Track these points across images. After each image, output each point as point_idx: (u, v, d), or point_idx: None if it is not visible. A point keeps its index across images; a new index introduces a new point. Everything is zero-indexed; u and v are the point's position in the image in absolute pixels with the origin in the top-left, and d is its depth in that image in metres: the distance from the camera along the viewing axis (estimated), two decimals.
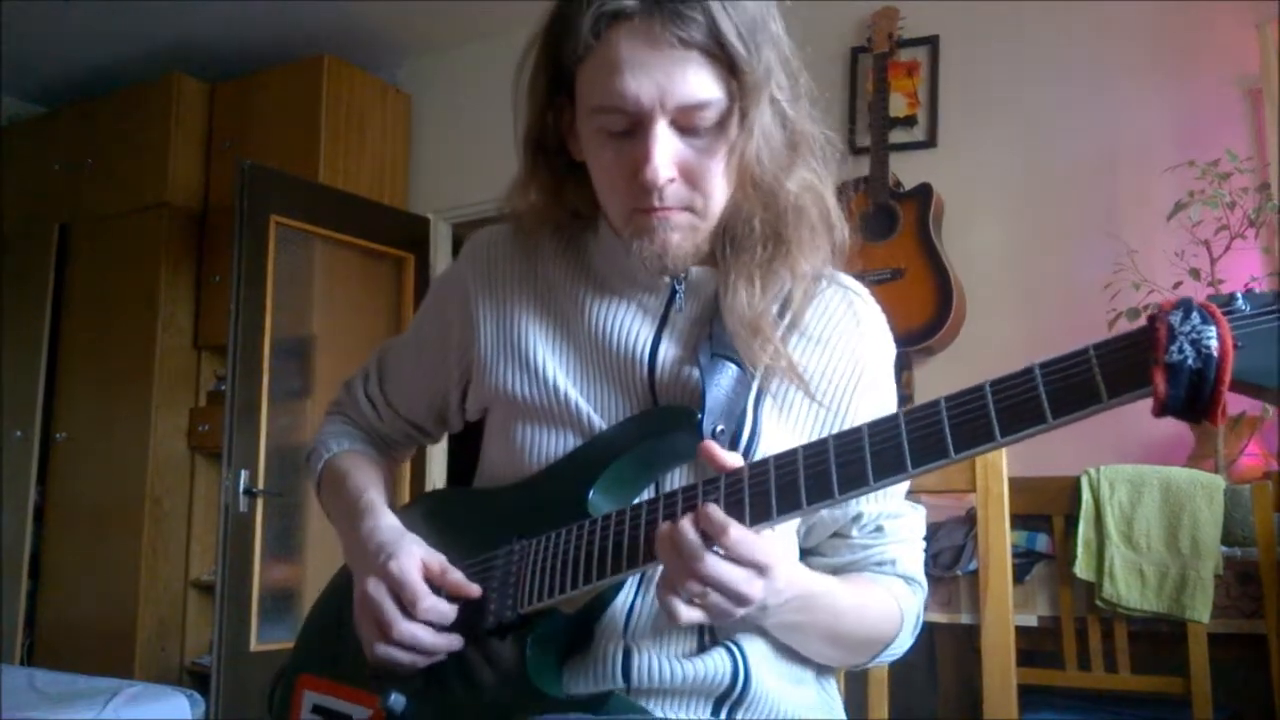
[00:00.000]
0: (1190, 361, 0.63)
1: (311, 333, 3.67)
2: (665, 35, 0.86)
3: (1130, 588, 1.95)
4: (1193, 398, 0.64)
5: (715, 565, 0.76)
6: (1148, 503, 1.98)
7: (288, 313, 3.52)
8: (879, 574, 1.02)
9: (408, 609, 0.89)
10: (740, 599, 0.78)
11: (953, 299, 2.81)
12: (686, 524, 0.78)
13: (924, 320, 2.82)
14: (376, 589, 0.91)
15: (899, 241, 2.89)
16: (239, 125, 3.93)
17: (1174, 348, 0.64)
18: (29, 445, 3.86)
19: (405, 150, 4.10)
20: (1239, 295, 0.66)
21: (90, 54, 4.08)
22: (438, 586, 0.91)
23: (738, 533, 0.77)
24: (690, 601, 0.78)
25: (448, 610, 0.90)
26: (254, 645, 3.22)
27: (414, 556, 0.92)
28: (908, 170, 3.01)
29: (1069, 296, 2.79)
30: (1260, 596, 1.89)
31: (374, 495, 1.04)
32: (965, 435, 0.71)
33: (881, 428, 0.76)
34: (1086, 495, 2.03)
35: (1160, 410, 0.65)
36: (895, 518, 1.02)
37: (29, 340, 3.94)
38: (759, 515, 0.79)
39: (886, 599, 0.99)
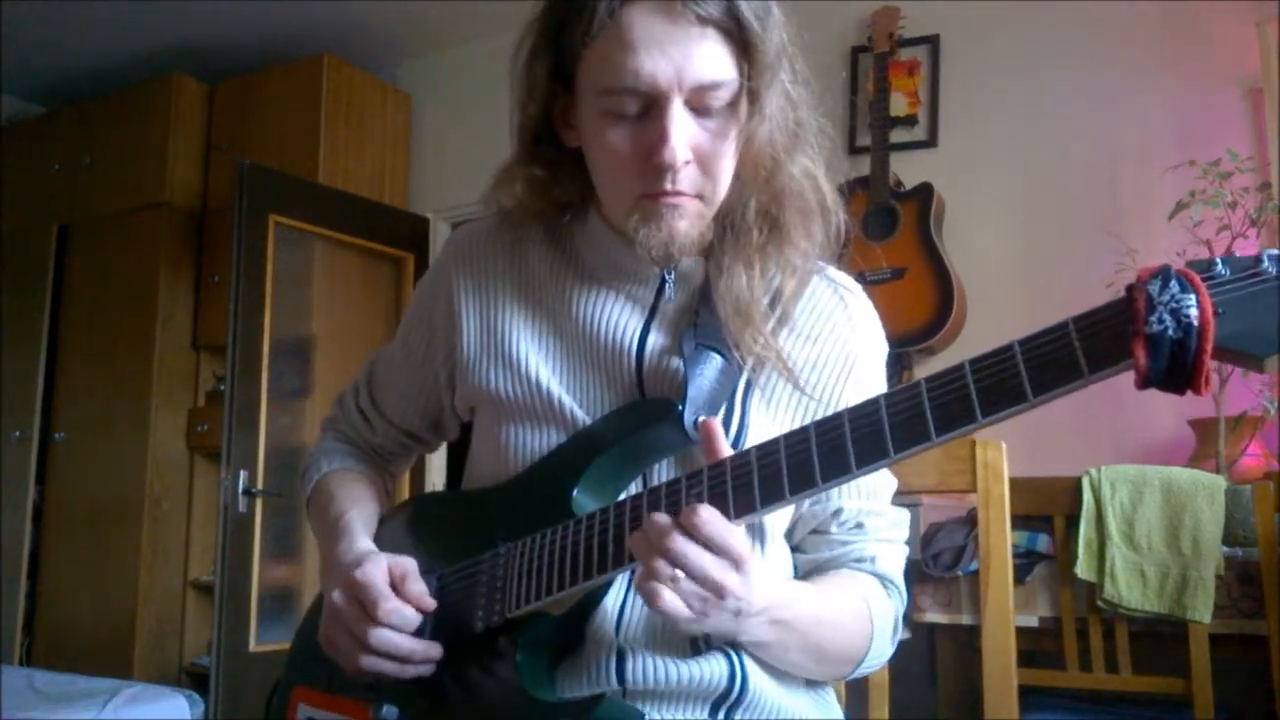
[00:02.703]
0: (1170, 331, 0.61)
1: (311, 333, 3.66)
2: (684, 11, 0.85)
3: (1131, 588, 1.94)
4: (1175, 369, 0.61)
5: (683, 544, 0.75)
6: (1149, 503, 1.98)
7: (287, 313, 3.52)
8: (856, 570, 0.99)
9: (370, 612, 0.87)
10: (717, 588, 0.75)
11: (954, 298, 2.81)
12: (658, 513, 0.77)
13: (925, 320, 2.82)
14: (340, 597, 0.90)
15: (900, 241, 2.89)
16: (239, 125, 3.92)
17: (1153, 318, 0.62)
18: (28, 445, 3.85)
19: (405, 150, 4.10)
20: (1219, 261, 0.64)
21: (90, 54, 4.08)
22: (399, 594, 0.90)
23: (706, 512, 0.75)
24: (665, 584, 0.76)
25: (411, 615, 0.88)
26: (253, 645, 3.22)
27: (379, 565, 0.90)
28: (908, 170, 3.00)
29: (1070, 296, 2.77)
30: (1261, 597, 1.89)
31: (353, 516, 1.02)
32: (947, 417, 0.70)
33: (862, 413, 0.74)
34: (1087, 496, 2.02)
35: (1143, 383, 0.63)
36: (877, 515, 1.00)
37: (28, 340, 3.94)
38: (743, 508, 0.77)
39: (860, 606, 0.96)
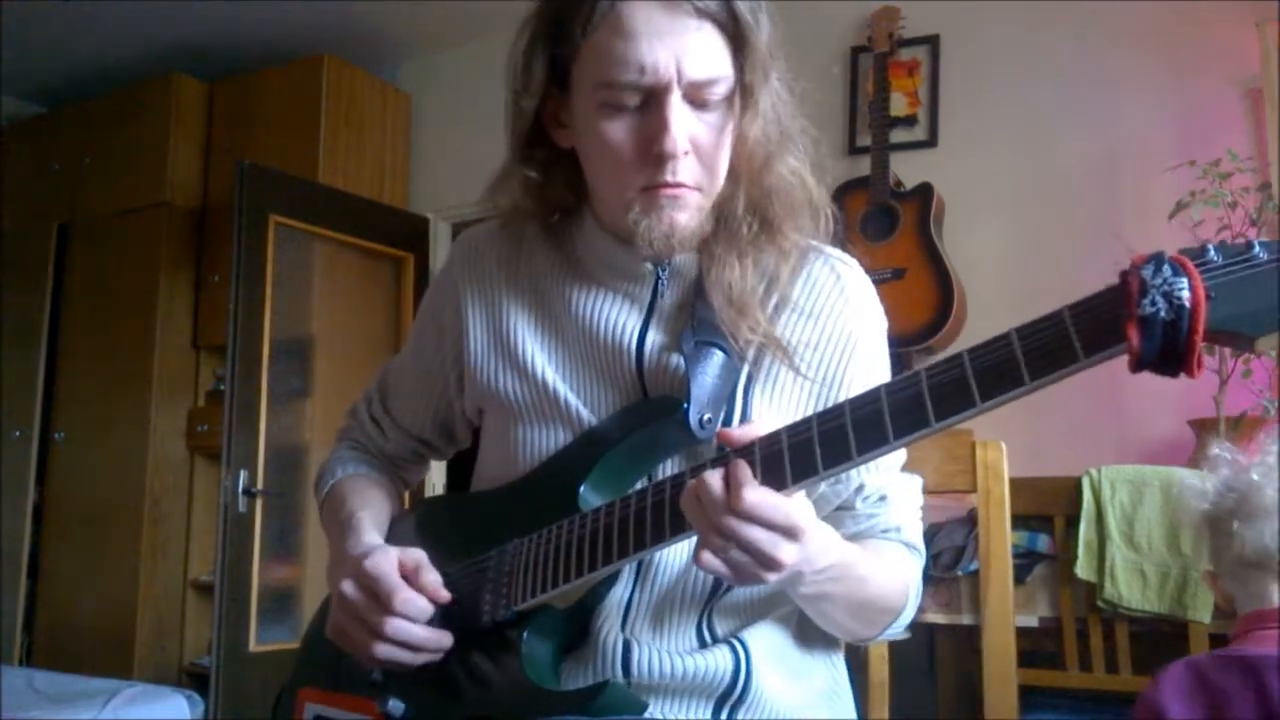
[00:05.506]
0: (1163, 313, 0.63)
1: (311, 333, 3.66)
2: (682, 3, 0.87)
3: (1131, 588, 1.94)
4: (1167, 350, 0.63)
5: (735, 522, 0.75)
6: (1149, 503, 1.98)
7: (287, 313, 3.51)
8: (884, 540, 1.02)
9: (384, 604, 0.88)
10: (768, 562, 0.76)
11: (954, 298, 2.81)
12: (714, 475, 0.77)
13: (925, 320, 2.82)
14: (351, 588, 0.91)
15: (900, 241, 2.88)
16: (239, 125, 3.92)
17: (1146, 301, 0.63)
18: (28, 445, 3.85)
19: (405, 150, 4.10)
20: (1211, 247, 0.65)
21: (90, 54, 4.07)
22: (412, 585, 0.91)
23: (753, 495, 0.75)
24: (716, 555, 0.77)
25: (425, 605, 0.89)
26: (253, 646, 3.22)
27: (389, 556, 0.91)
28: (908, 170, 3.00)
29: (1070, 296, 2.70)
30: None
31: (363, 515, 1.03)
32: (946, 403, 0.71)
33: (862, 402, 0.76)
34: (1088, 496, 2.02)
35: (1136, 365, 0.64)
36: (897, 487, 1.03)
37: (28, 340, 3.94)
38: (795, 476, 0.78)
39: (896, 566, 1.00)
